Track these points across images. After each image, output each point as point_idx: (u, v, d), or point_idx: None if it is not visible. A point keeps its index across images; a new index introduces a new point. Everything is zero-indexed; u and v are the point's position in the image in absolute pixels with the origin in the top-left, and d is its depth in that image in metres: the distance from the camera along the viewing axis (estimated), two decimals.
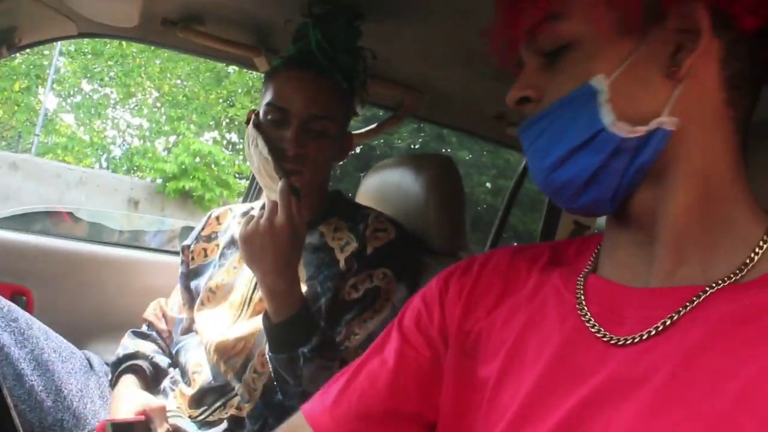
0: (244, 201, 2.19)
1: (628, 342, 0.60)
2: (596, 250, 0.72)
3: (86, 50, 14.71)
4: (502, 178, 10.74)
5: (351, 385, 0.79)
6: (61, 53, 14.70)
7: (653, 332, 0.58)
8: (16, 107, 14.22)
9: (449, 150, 10.90)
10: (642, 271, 0.64)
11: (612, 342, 0.61)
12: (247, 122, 1.30)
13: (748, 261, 0.58)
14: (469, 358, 0.73)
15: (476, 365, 0.72)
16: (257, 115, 1.31)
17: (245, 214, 1.23)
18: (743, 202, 0.61)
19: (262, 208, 1.19)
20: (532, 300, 0.71)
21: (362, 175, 1.81)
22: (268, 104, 1.29)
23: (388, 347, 0.80)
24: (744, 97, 0.62)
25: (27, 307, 1.68)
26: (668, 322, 0.58)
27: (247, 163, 1.34)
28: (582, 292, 0.67)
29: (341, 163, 1.49)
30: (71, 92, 15.79)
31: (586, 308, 0.65)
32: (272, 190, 1.22)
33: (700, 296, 0.58)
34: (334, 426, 0.77)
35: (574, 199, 0.64)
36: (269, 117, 1.29)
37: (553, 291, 0.70)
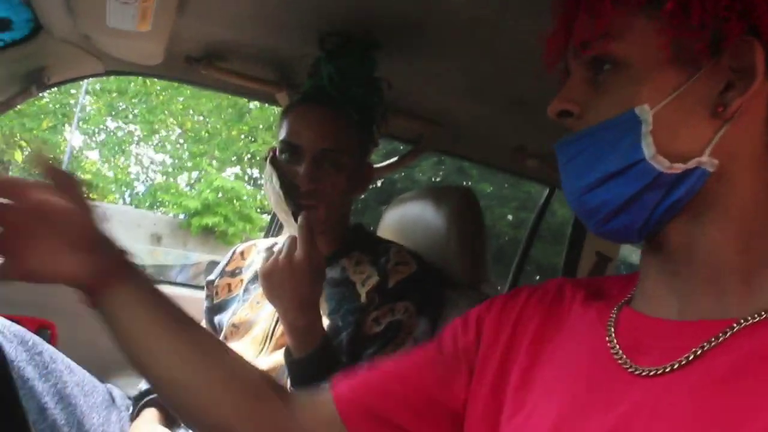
0: (266, 236, 2.19)
1: (652, 373, 0.59)
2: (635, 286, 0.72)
3: (111, 89, 15.00)
4: (523, 210, 10.70)
5: (376, 371, 0.82)
6: (86, 92, 14.99)
7: (676, 365, 0.58)
8: (43, 145, 14.48)
9: (470, 183, 10.90)
10: (673, 304, 0.64)
11: (637, 373, 0.61)
12: (266, 159, 1.32)
13: None
14: (504, 392, 0.73)
15: (513, 396, 0.72)
16: (275, 151, 1.33)
17: (269, 249, 1.24)
18: None
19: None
20: (569, 335, 0.72)
21: (384, 208, 1.82)
22: (282, 141, 1.31)
23: (417, 349, 0.83)
24: None
25: (51, 340, 1.69)
26: (692, 357, 0.58)
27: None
28: (613, 324, 0.68)
29: (362, 196, 1.49)
30: (96, 130, 16.07)
31: (615, 340, 0.65)
32: (290, 224, 1.22)
33: (726, 332, 0.57)
34: (353, 399, 0.79)
35: (603, 223, 0.65)
36: (284, 154, 1.31)
37: (588, 324, 0.71)
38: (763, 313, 0.57)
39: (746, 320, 0.57)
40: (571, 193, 0.67)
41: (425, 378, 0.78)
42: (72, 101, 14.89)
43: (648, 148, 0.59)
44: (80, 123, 15.42)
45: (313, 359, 1.15)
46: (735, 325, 0.58)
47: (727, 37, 0.58)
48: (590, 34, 0.64)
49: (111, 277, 0.74)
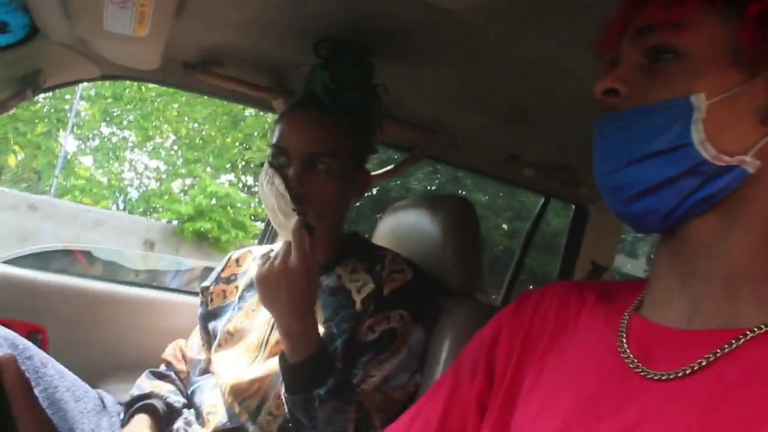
0: (260, 243, 2.19)
1: (664, 378, 0.60)
2: (644, 291, 0.72)
3: (106, 94, 14.96)
4: (517, 220, 10.73)
5: (410, 428, 0.81)
6: (81, 97, 14.95)
7: (689, 371, 0.59)
8: (37, 150, 14.44)
9: (464, 192, 10.92)
10: (683, 311, 0.64)
11: (649, 377, 0.61)
12: (261, 165, 1.32)
13: None
14: (517, 398, 0.74)
15: (523, 399, 0.72)
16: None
17: (265, 255, 1.23)
18: None
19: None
20: (579, 341, 0.72)
21: (378, 216, 1.81)
22: (272, 146, 1.32)
23: (440, 391, 0.82)
24: None
25: (42, 345, 1.68)
26: (704, 363, 0.58)
27: (263, 206, 1.35)
28: (624, 332, 0.68)
29: (357, 205, 1.49)
30: (91, 135, 16.03)
31: (626, 347, 0.66)
32: (286, 229, 1.22)
33: (739, 339, 0.58)
34: None
35: (628, 202, 0.64)
36: (274, 158, 1.31)
37: (597, 331, 0.71)
38: None
39: (759, 329, 0.58)
40: (602, 168, 0.66)
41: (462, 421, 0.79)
42: (67, 106, 14.84)
43: (697, 134, 0.59)
44: (75, 128, 15.36)
45: (309, 365, 1.14)
46: (748, 332, 0.58)
47: None
48: (660, 21, 0.64)
49: None
